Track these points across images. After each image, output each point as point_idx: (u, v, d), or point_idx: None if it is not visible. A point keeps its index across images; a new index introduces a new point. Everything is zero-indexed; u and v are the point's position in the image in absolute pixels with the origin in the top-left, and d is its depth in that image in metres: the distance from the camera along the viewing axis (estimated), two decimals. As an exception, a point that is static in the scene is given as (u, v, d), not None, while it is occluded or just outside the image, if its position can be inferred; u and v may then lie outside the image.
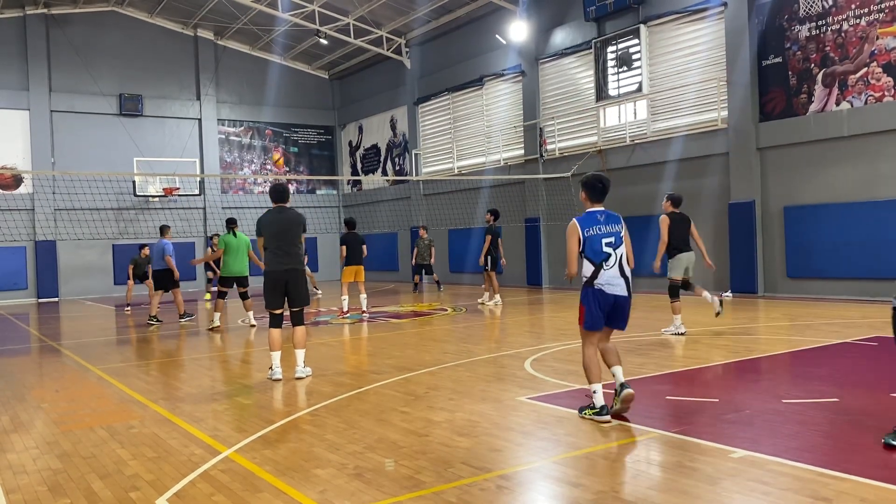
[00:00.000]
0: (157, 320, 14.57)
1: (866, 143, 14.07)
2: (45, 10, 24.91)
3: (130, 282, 18.14)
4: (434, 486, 4.34)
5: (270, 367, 8.08)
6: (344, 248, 14.33)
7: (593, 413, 5.80)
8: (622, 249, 5.87)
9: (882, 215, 13.78)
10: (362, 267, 14.41)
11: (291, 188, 29.89)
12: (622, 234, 5.92)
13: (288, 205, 8.10)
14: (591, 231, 5.83)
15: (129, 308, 17.96)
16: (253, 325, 13.16)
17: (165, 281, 14.78)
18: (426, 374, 8.00)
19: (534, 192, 21.03)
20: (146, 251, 18.15)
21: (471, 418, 5.95)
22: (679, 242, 10.08)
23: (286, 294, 7.95)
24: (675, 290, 10.22)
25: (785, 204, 15.40)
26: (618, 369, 5.91)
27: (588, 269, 5.83)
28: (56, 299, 24.42)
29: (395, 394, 7.09)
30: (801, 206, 15.11)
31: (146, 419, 6.43)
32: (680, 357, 8.43)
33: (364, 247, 14.54)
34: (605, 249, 5.82)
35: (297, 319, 8.09)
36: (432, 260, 20.01)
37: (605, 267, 5.80)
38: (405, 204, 26.44)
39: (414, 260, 20.24)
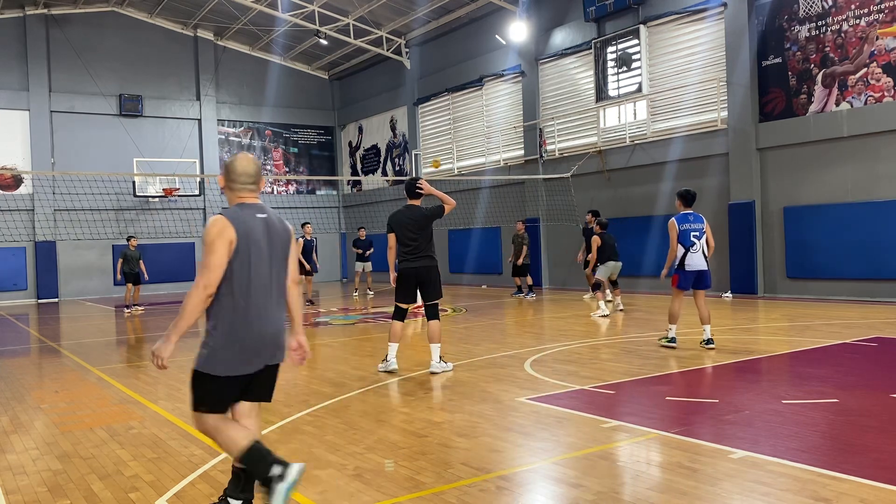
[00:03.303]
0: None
1: (866, 143, 14.07)
2: (45, 11, 24.91)
3: (129, 284, 17.99)
4: (434, 487, 4.35)
5: (385, 359, 8.27)
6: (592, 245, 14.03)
7: (666, 341, 9.00)
8: (703, 240, 8.85)
9: (882, 215, 13.78)
10: (620, 263, 13.95)
11: (291, 188, 29.94)
12: (704, 228, 8.91)
13: (419, 202, 8.29)
14: (685, 226, 8.87)
15: (128, 310, 17.84)
16: None
17: None
18: (426, 375, 8.00)
19: (533, 192, 21.02)
20: (134, 242, 18.08)
21: (471, 419, 5.95)
22: (610, 253, 13.61)
23: (420, 289, 8.15)
24: (597, 286, 13.83)
25: (785, 204, 15.40)
26: (707, 327, 8.89)
27: (681, 251, 8.82)
28: (56, 300, 24.42)
29: (395, 395, 7.09)
30: (801, 206, 15.11)
31: (146, 420, 6.43)
32: (680, 358, 8.43)
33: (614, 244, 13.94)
34: (692, 239, 8.83)
35: (431, 313, 8.16)
36: (521, 259, 17.62)
37: (691, 251, 8.82)
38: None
39: (512, 259, 17.91)
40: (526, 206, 21.40)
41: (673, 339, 8.96)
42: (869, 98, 13.97)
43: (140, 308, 18.27)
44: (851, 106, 14.23)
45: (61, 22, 25.36)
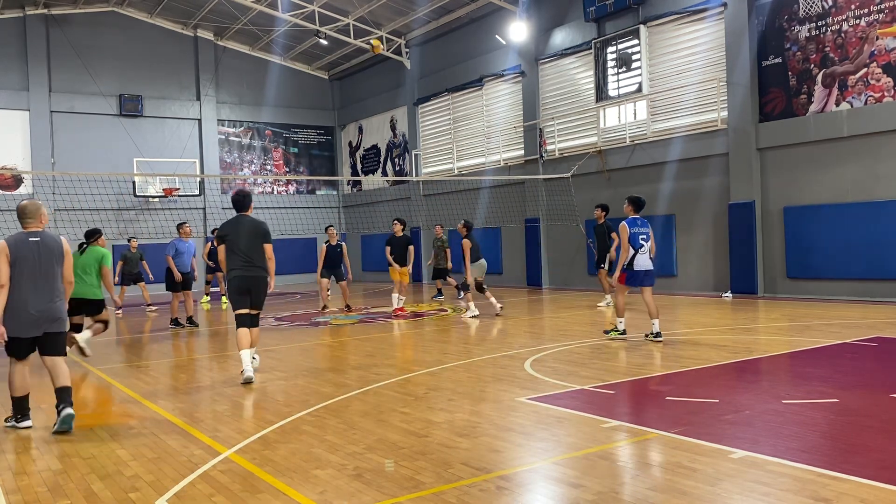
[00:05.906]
0: (178, 324, 13.87)
1: (866, 143, 14.07)
2: (45, 11, 24.90)
3: (123, 286, 17.90)
4: (434, 487, 4.35)
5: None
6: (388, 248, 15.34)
7: (617, 334, 9.98)
8: (650, 243, 9.71)
9: (882, 215, 13.77)
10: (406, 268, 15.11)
11: (291, 188, 29.93)
12: (649, 233, 9.77)
13: (250, 213, 8.41)
14: (634, 230, 9.66)
15: (120, 311, 17.57)
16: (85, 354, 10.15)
17: (170, 281, 14.04)
18: (426, 375, 8.00)
19: (534, 192, 21.02)
20: (134, 243, 18.00)
21: (471, 419, 5.95)
22: (475, 255, 14.04)
23: (248, 296, 8.14)
24: (466, 286, 14.04)
25: (785, 204, 15.40)
26: (655, 321, 9.59)
27: (630, 252, 9.61)
28: (56, 300, 24.38)
29: (395, 394, 7.09)
30: (801, 206, 15.10)
31: (146, 420, 6.43)
32: (680, 357, 8.43)
33: (411, 247, 15.19)
34: (640, 242, 9.64)
35: (256, 321, 8.23)
36: (448, 264, 17.23)
37: (640, 252, 9.63)
38: (405, 204, 26.43)
39: (432, 263, 17.68)
40: (526, 207, 21.40)
41: (624, 332, 10.02)
42: (869, 98, 13.97)
43: (153, 308, 18.01)
44: (851, 106, 14.22)
45: (61, 22, 25.36)
